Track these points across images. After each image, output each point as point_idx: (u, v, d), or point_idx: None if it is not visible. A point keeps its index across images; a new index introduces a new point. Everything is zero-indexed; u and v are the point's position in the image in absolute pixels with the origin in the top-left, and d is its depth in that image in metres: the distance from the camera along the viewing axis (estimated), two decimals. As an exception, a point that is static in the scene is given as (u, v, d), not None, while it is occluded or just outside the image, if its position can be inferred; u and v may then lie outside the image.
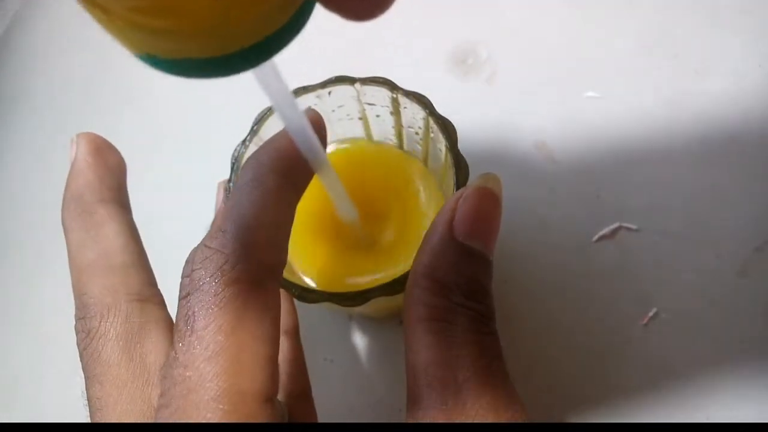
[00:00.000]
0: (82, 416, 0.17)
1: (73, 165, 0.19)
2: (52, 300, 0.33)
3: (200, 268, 0.14)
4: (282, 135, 0.17)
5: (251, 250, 0.15)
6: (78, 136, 0.19)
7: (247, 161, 0.17)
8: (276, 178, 0.16)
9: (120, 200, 0.19)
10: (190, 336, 0.14)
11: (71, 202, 0.18)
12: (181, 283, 0.15)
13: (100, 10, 0.10)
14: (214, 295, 0.14)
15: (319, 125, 0.18)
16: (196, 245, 0.15)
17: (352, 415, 0.27)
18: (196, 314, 0.14)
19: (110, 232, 0.18)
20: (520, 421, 0.14)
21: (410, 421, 0.15)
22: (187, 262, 0.15)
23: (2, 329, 0.34)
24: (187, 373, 0.14)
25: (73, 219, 0.18)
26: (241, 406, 0.13)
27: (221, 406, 0.13)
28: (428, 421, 0.14)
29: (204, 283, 0.14)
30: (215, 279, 0.14)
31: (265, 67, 0.13)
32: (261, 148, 0.17)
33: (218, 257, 0.14)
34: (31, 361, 0.32)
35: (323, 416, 0.22)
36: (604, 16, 0.34)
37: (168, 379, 0.14)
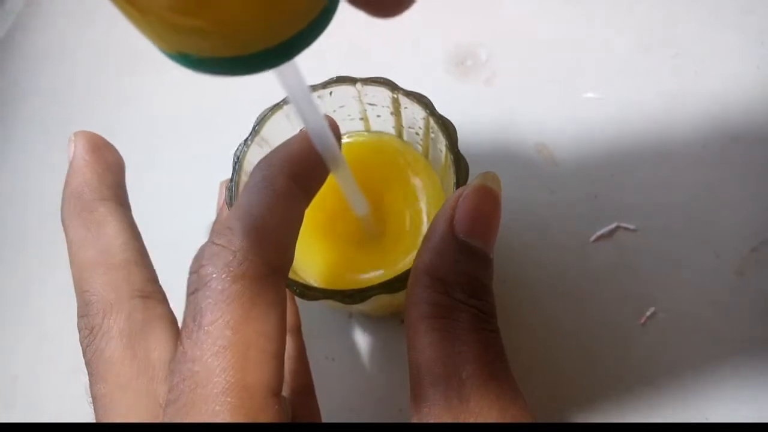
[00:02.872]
0: (84, 414, 0.17)
1: (71, 163, 0.19)
2: (54, 298, 0.33)
3: (208, 264, 0.15)
4: (295, 139, 0.17)
5: (258, 248, 0.15)
6: (76, 134, 0.19)
7: (259, 162, 0.17)
8: (286, 180, 0.16)
9: (119, 198, 0.19)
10: (197, 331, 0.14)
11: (71, 200, 0.18)
12: (188, 279, 0.15)
13: (134, 9, 0.11)
14: (221, 291, 0.14)
15: (335, 130, 0.18)
16: (201, 243, 0.16)
17: (352, 414, 0.27)
18: (203, 310, 0.14)
19: (111, 230, 0.18)
20: (523, 418, 0.14)
21: (415, 419, 0.15)
22: (195, 258, 0.15)
23: (3, 327, 0.34)
24: (195, 368, 0.14)
25: (72, 217, 0.18)
26: (248, 400, 0.13)
27: (229, 399, 0.13)
28: (433, 419, 0.14)
29: (211, 280, 0.14)
30: (222, 275, 0.14)
31: (287, 65, 0.13)
32: (273, 150, 0.17)
33: (226, 254, 0.15)
34: (32, 359, 0.32)
35: (324, 415, 0.22)
36: (604, 16, 0.34)
37: (176, 374, 0.14)
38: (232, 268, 0.14)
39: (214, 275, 0.14)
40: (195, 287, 0.15)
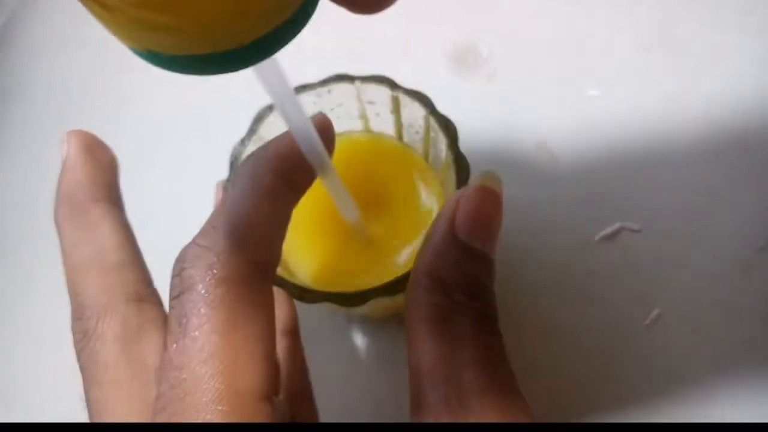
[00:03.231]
0: (81, 417, 0.17)
1: (64, 164, 0.19)
2: (53, 297, 0.33)
3: (191, 266, 0.14)
4: (285, 135, 0.17)
5: (242, 248, 0.14)
6: (69, 134, 0.19)
7: (245, 159, 0.17)
8: (273, 177, 0.16)
9: (113, 199, 0.19)
10: (183, 338, 0.14)
11: (64, 201, 0.18)
12: (171, 282, 0.15)
13: (100, 6, 0.10)
14: (206, 295, 0.14)
15: (327, 129, 0.18)
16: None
17: (352, 415, 0.27)
18: (188, 315, 0.14)
19: (104, 231, 0.18)
20: (525, 421, 0.14)
21: (415, 422, 0.15)
22: (177, 260, 0.15)
23: (1, 327, 0.33)
24: (183, 376, 0.13)
25: (66, 218, 0.18)
26: (240, 406, 0.13)
27: (220, 407, 0.13)
28: (433, 422, 0.14)
29: (195, 283, 0.14)
30: (206, 278, 0.14)
31: (266, 65, 0.13)
32: (262, 147, 0.17)
33: (208, 255, 0.14)
34: (30, 359, 0.32)
35: (323, 416, 0.22)
36: (605, 14, 0.34)
37: (163, 382, 0.14)
38: (215, 271, 0.14)
39: (197, 278, 0.14)
40: (178, 291, 0.14)
